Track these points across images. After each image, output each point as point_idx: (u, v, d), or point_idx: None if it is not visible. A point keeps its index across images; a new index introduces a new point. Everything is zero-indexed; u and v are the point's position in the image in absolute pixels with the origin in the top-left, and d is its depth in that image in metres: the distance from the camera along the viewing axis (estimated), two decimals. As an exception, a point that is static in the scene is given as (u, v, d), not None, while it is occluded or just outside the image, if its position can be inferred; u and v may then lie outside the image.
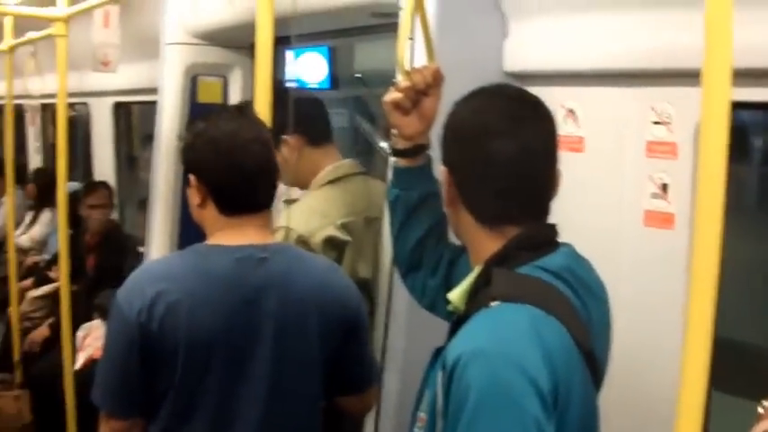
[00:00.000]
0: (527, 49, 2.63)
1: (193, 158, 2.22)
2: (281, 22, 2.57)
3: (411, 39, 2.52)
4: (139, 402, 2.12)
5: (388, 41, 3.91)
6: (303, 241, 2.70)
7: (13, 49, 5.28)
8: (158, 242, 4.34)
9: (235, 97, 4.40)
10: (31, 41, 4.74)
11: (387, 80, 4.58)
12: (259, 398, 2.12)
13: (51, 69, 5.10)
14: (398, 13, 2.66)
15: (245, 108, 2.34)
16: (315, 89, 4.58)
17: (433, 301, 2.12)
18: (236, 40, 4.29)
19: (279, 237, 2.69)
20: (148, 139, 7.23)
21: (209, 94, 4.31)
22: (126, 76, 4.71)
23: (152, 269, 2.25)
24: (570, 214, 1.84)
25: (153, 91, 5.12)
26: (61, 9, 4.08)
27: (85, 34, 4.38)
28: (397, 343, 2.58)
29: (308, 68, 4.57)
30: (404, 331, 2.56)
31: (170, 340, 2.04)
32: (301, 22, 2.73)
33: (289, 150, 2.83)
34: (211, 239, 2.21)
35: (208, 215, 2.20)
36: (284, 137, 2.77)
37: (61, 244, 4.40)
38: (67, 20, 4.11)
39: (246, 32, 4.09)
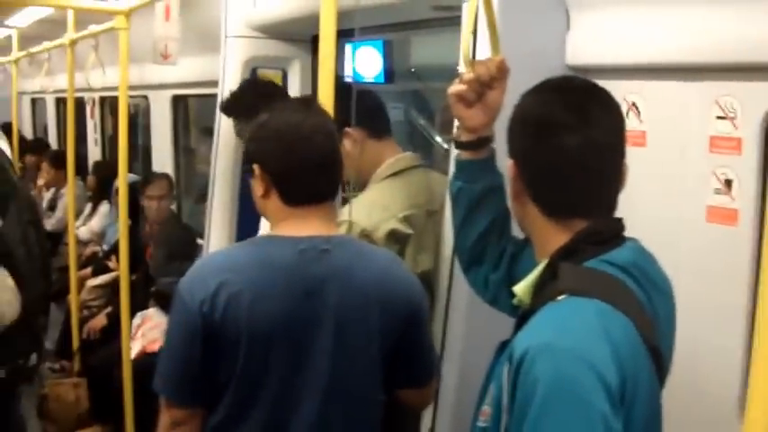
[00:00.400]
0: (590, 42, 2.60)
1: (258, 149, 2.23)
2: (341, 15, 2.58)
3: (473, 32, 2.53)
4: (200, 392, 2.14)
5: (444, 35, 3.94)
6: (366, 235, 2.70)
7: (74, 42, 5.34)
8: (217, 233, 4.37)
9: (294, 89, 4.41)
10: (92, 35, 4.79)
11: (442, 74, 4.58)
12: (318, 389, 2.12)
13: (110, 63, 5.17)
14: (460, 5, 2.67)
15: (310, 100, 2.35)
16: (370, 83, 4.59)
17: (495, 295, 2.12)
18: (296, 32, 4.31)
19: (342, 231, 2.70)
20: (205, 131, 7.32)
21: (269, 86, 4.34)
22: (185, 69, 4.75)
23: (215, 260, 2.27)
24: (632, 209, 1.82)
25: (211, 84, 5.19)
26: (123, 2, 4.13)
27: (145, 28, 4.43)
28: (457, 336, 2.57)
29: (364, 62, 4.57)
30: (463, 325, 2.55)
31: (232, 330, 2.05)
32: (360, 15, 2.73)
33: (351, 143, 2.84)
34: (274, 230, 2.22)
35: (271, 206, 2.21)
36: (347, 129, 2.79)
37: (121, 234, 4.46)
38: (129, 13, 4.16)
39: (306, 25, 4.15)
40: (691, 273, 2.25)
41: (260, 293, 2.07)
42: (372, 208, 2.79)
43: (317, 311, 2.10)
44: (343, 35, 3.30)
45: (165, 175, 5.86)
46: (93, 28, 4.79)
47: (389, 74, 4.59)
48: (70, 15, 5.36)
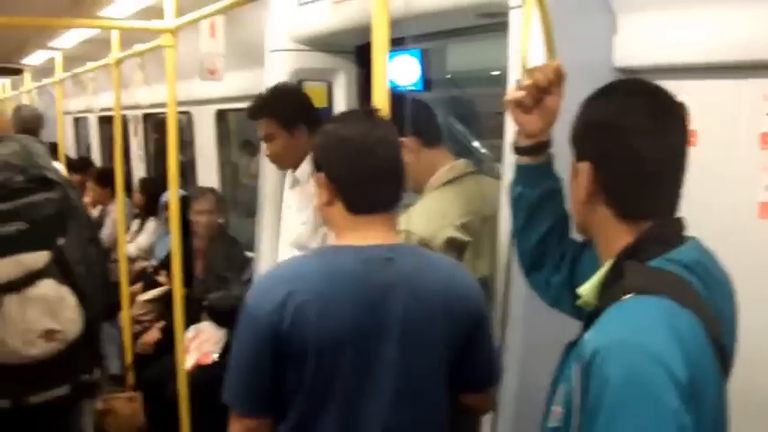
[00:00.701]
0: (637, 43, 2.62)
1: (323, 157, 2.27)
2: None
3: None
4: (269, 401, 2.18)
5: (479, 42, 3.97)
6: (424, 244, 2.74)
7: (120, 61, 5.43)
8: (267, 246, 4.41)
9: (339, 101, 4.44)
10: (138, 54, 4.86)
11: (478, 80, 4.58)
12: (385, 396, 2.15)
13: (152, 80, 5.22)
14: (505, 12, 2.70)
15: (374, 111, 2.38)
16: (408, 91, 4.61)
17: (557, 298, 2.14)
18: (340, 44, 4.35)
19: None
20: (246, 144, 7.38)
21: (314, 98, 4.37)
22: (228, 84, 4.80)
23: (281, 271, 2.30)
24: (685, 208, 1.84)
25: (252, 98, 5.24)
26: (169, 21, 4.20)
27: (187, 44, 4.49)
28: (515, 340, 2.58)
29: (402, 71, 4.59)
30: (521, 329, 2.57)
31: (300, 340, 2.09)
32: (401, 25, 2.76)
33: (406, 152, 2.87)
34: (338, 240, 2.26)
35: (335, 214, 2.25)
36: (401, 139, 2.82)
37: (173, 249, 4.51)
38: (175, 31, 4.22)
39: (350, 37, 4.20)
40: (744, 269, 2.25)
41: (326, 303, 2.10)
42: (429, 217, 2.82)
43: (384, 320, 2.13)
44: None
45: (212, 190, 5.92)
46: (139, 47, 4.86)
47: (427, 82, 4.61)
48: (115, 35, 5.45)
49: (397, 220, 2.34)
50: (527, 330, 2.57)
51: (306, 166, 3.85)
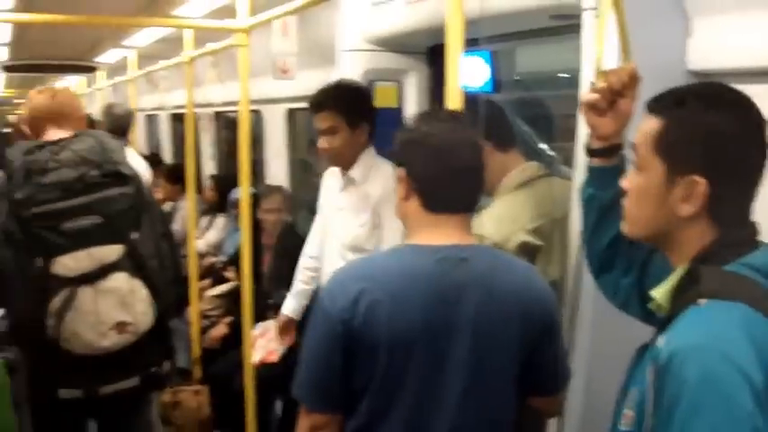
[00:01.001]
0: (711, 46, 2.59)
1: (405, 153, 2.29)
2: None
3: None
4: (339, 397, 2.20)
5: (549, 44, 3.96)
6: (497, 248, 2.74)
7: (193, 60, 5.51)
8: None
9: (410, 101, 4.47)
10: (211, 52, 4.93)
11: (547, 83, 4.57)
12: (455, 395, 2.15)
13: (223, 78, 5.28)
14: (578, 14, 2.70)
15: (459, 112, 2.39)
16: (478, 92, 4.62)
17: (626, 300, 2.13)
18: (412, 45, 4.37)
19: None
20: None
21: (385, 98, 4.40)
22: (299, 83, 4.84)
23: (355, 268, 2.31)
24: (757, 213, 1.82)
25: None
26: (243, 20, 4.25)
27: (259, 44, 4.55)
28: (584, 344, 2.58)
29: (472, 72, 4.60)
30: (590, 332, 2.56)
31: (372, 337, 2.11)
32: (472, 26, 2.77)
33: None
34: (413, 238, 2.27)
35: (411, 210, 2.27)
36: None
37: (243, 246, 4.56)
38: (248, 30, 4.28)
39: (422, 37, 4.21)
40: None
41: (399, 301, 2.11)
42: (501, 221, 2.83)
43: (456, 319, 2.14)
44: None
45: (280, 189, 5.98)
46: (211, 46, 4.93)
47: (497, 83, 4.62)
48: (188, 34, 5.53)
49: (471, 221, 2.34)
50: (596, 332, 2.56)
51: (362, 167, 3.85)
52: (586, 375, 2.55)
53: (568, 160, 3.36)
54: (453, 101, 2.48)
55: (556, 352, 2.34)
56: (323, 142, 3.83)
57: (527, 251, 2.79)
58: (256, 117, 6.73)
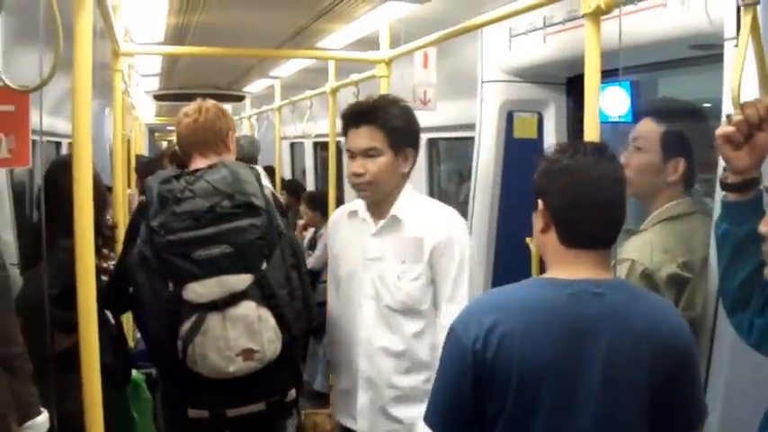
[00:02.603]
0: None
1: (545, 184, 2.26)
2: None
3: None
4: (469, 426, 2.20)
5: (689, 74, 3.91)
6: (648, 275, 2.73)
7: (336, 90, 5.64)
8: (476, 274, 4.48)
9: (549, 132, 4.48)
10: (354, 83, 5.04)
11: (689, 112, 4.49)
12: (586, 429, 2.12)
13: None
14: (719, 44, 2.67)
15: (604, 146, 2.37)
16: (617, 123, 4.59)
17: (760, 340, 2.09)
18: (551, 75, 4.40)
19: (623, 269, 2.73)
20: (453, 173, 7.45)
21: (524, 129, 4.43)
22: (438, 114, 4.89)
23: (489, 299, 2.32)
24: None
25: (461, 127, 5.33)
26: (385, 52, 4.35)
27: (397, 74, 4.62)
28: (719, 382, 2.53)
29: (612, 102, 4.57)
30: (726, 370, 2.51)
31: (503, 369, 2.10)
32: (612, 56, 2.77)
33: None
34: (549, 272, 2.26)
35: (548, 242, 2.25)
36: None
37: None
38: (389, 62, 4.37)
39: (561, 68, 4.23)
40: None
41: (531, 334, 2.11)
42: (654, 249, 2.80)
43: (588, 353, 2.11)
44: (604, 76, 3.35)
45: None
46: (355, 76, 5.04)
47: (636, 113, 4.58)
48: (331, 65, 5.67)
49: (609, 256, 2.30)
50: (732, 371, 2.51)
51: (408, 205, 3.24)
52: (722, 411, 2.50)
53: (710, 193, 3.33)
54: (591, 131, 2.49)
55: (691, 389, 2.26)
56: (356, 166, 3.19)
57: (677, 283, 2.75)
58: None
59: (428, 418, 2.27)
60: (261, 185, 3.33)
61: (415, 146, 3.27)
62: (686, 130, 3.25)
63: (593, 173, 2.17)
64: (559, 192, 2.21)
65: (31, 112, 2.36)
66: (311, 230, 8.15)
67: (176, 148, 3.83)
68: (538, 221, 2.27)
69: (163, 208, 3.21)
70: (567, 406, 2.11)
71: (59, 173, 3.14)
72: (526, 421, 2.12)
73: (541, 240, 2.29)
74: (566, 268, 2.20)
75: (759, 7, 1.96)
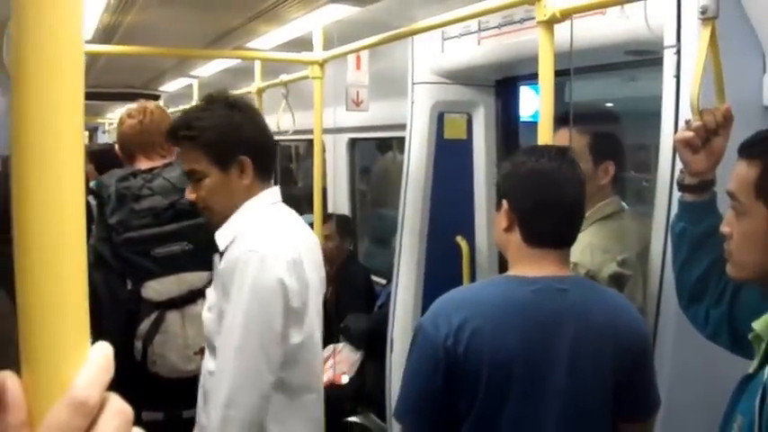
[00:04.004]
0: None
1: (510, 185, 2.36)
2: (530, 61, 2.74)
3: (676, 77, 2.65)
4: (439, 422, 2.27)
5: (599, 79, 4.05)
6: (591, 276, 2.83)
7: (262, 90, 5.66)
8: (406, 272, 4.55)
9: (479, 133, 4.59)
10: (283, 83, 5.05)
11: (597, 115, 4.63)
12: (552, 420, 2.21)
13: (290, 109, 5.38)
14: (654, 50, 2.79)
15: (566, 149, 2.47)
16: (527, 122, 4.71)
17: (716, 331, 2.19)
18: (481, 78, 4.50)
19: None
20: (364, 172, 7.52)
21: (454, 130, 4.52)
22: (363, 114, 4.94)
23: (457, 297, 2.37)
24: None
25: (390, 127, 5.40)
26: (318, 53, 4.39)
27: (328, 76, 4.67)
28: (664, 372, 2.61)
29: (526, 102, 4.71)
30: (670, 361, 2.61)
31: (473, 364, 2.18)
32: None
33: None
34: (512, 270, 2.35)
35: (512, 241, 2.34)
36: None
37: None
38: (323, 63, 4.41)
39: (490, 71, 4.33)
40: None
41: (499, 330, 2.19)
42: (593, 250, 2.91)
43: (553, 348, 2.21)
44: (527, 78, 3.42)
45: (331, 216, 6.04)
46: (284, 77, 5.06)
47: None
48: (257, 66, 5.68)
49: (569, 254, 2.41)
50: (676, 362, 2.61)
51: (233, 224, 2.69)
52: (667, 402, 2.60)
53: (640, 192, 3.47)
54: (545, 133, 2.58)
55: (648, 378, 2.39)
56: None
57: (618, 281, 2.87)
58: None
59: (399, 415, 2.33)
60: None
61: (250, 152, 2.66)
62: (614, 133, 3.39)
63: (559, 176, 2.29)
64: (525, 194, 2.31)
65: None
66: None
67: (96, 148, 3.80)
68: (501, 221, 2.36)
69: (121, 206, 3.20)
70: (535, 400, 2.20)
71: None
72: (496, 414, 2.20)
73: (504, 239, 2.37)
74: (529, 266, 2.29)
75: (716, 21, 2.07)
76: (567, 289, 2.26)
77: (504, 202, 2.35)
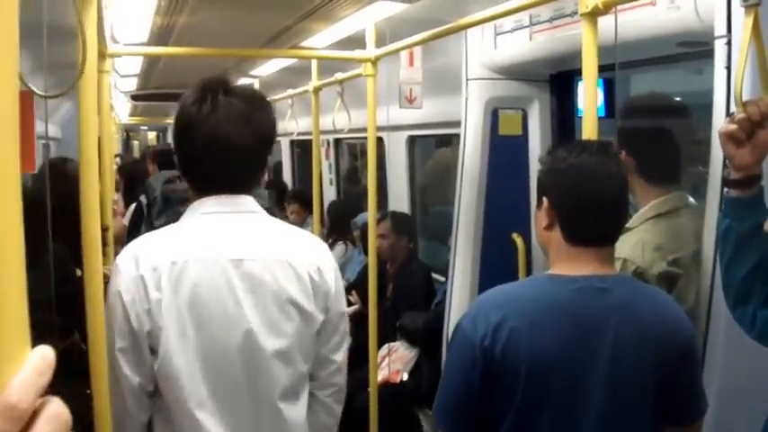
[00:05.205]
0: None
1: (551, 182, 2.32)
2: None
3: (727, 68, 2.57)
4: (478, 421, 2.25)
5: (661, 72, 3.96)
6: (640, 273, 2.78)
7: (319, 89, 5.67)
8: (462, 270, 4.52)
9: (534, 128, 4.54)
10: (338, 82, 5.06)
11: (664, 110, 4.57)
12: (592, 421, 2.17)
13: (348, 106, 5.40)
14: (706, 41, 2.72)
15: (608, 145, 2.42)
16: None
17: (763, 332, 2.11)
18: (535, 73, 4.45)
19: (616, 267, 2.79)
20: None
21: (509, 126, 4.48)
22: (420, 111, 4.92)
23: (495, 296, 2.33)
24: None
25: (447, 124, 5.37)
26: (371, 51, 4.37)
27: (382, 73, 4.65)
28: (714, 375, 2.56)
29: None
30: (721, 363, 2.56)
31: (511, 364, 2.14)
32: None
33: None
34: (553, 269, 2.30)
35: (552, 238, 2.30)
36: None
37: (370, 270, 4.66)
38: (375, 61, 4.39)
39: (544, 66, 4.27)
40: None
41: (538, 329, 2.15)
42: (645, 247, 2.85)
43: (593, 347, 2.16)
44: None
45: (386, 215, 6.05)
46: (339, 75, 5.06)
47: (609, 108, 4.66)
48: (314, 64, 5.69)
49: (613, 253, 2.35)
50: (726, 363, 2.55)
51: None
52: (717, 406, 2.53)
53: (696, 188, 3.38)
54: (589, 128, 2.52)
55: (693, 381, 2.32)
56: None
57: (667, 280, 2.80)
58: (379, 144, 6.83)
59: (436, 412, 2.32)
60: (259, 185, 3.35)
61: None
62: (667, 125, 3.31)
63: (600, 172, 2.23)
64: (566, 190, 2.26)
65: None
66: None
67: (158, 148, 3.84)
68: (542, 218, 2.31)
69: (166, 208, 3.23)
70: (574, 400, 2.16)
71: (43, 178, 3.14)
72: (534, 416, 2.16)
73: (545, 237, 2.32)
74: (570, 264, 2.24)
75: (760, 8, 1.99)
76: (608, 288, 2.20)
77: (545, 200, 2.31)
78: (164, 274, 2.20)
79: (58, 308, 2.56)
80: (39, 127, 2.39)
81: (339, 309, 2.38)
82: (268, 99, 2.53)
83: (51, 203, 2.47)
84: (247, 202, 2.33)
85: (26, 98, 2.27)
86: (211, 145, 2.24)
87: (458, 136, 4.71)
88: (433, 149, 7.26)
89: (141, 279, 2.17)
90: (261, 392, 2.24)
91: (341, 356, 2.44)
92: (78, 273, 3.16)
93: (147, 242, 2.31)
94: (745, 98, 2.01)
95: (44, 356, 0.69)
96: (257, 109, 2.31)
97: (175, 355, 2.18)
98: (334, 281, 2.33)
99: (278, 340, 2.23)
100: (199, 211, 2.32)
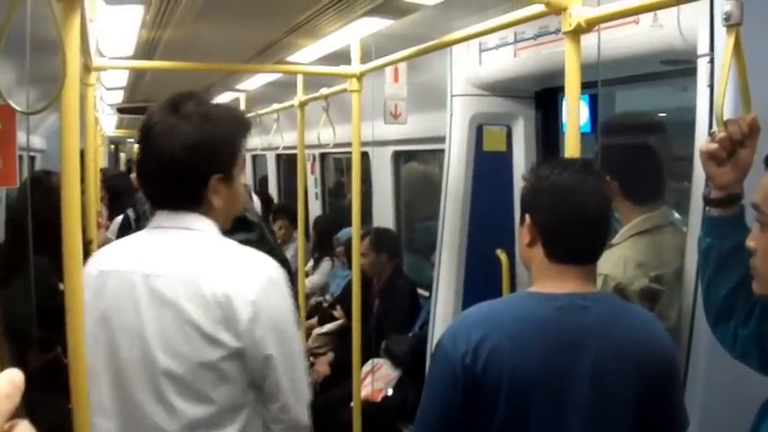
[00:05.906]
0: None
1: (533, 199, 2.30)
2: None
3: (710, 86, 2.58)
4: None
5: (645, 89, 3.98)
6: (621, 289, 2.78)
7: (304, 104, 5.68)
8: (445, 285, 4.52)
9: (518, 145, 4.55)
10: (323, 97, 5.07)
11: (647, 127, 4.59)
12: None
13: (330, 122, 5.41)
14: (689, 59, 2.73)
15: (590, 162, 2.42)
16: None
17: (745, 351, 2.10)
18: (520, 89, 4.47)
19: (597, 283, 2.78)
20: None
21: (494, 142, 4.49)
22: (405, 126, 4.93)
23: (476, 313, 2.31)
24: None
25: (431, 140, 5.38)
26: (356, 66, 4.37)
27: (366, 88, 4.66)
28: (696, 392, 2.57)
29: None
30: (703, 381, 2.56)
31: (493, 382, 2.13)
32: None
33: None
34: (535, 286, 2.29)
35: (534, 256, 2.28)
36: None
37: (354, 286, 4.64)
38: (361, 76, 4.40)
39: (529, 82, 4.29)
40: None
41: (519, 347, 2.14)
42: (627, 263, 2.86)
43: (575, 366, 2.15)
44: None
45: (368, 232, 6.01)
46: (324, 91, 5.07)
47: (594, 124, 4.68)
48: (299, 79, 5.70)
49: (594, 271, 2.34)
50: (709, 380, 2.55)
51: None
52: (699, 424, 2.53)
53: (679, 204, 3.39)
54: (572, 144, 2.53)
55: (674, 398, 2.31)
56: None
57: (649, 296, 2.81)
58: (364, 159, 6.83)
59: (417, 428, 2.30)
60: (251, 200, 3.35)
61: None
62: (646, 143, 3.31)
63: (583, 190, 2.22)
64: (548, 208, 2.25)
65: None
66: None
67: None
68: (524, 236, 2.30)
69: None
70: (555, 418, 2.15)
71: (29, 191, 3.12)
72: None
73: (527, 254, 2.32)
74: (552, 282, 2.24)
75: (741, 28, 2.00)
76: (589, 306, 2.20)
77: (527, 217, 2.30)
78: (92, 282, 2.28)
79: (42, 321, 2.55)
80: (21, 139, 2.36)
81: (260, 346, 2.21)
82: (254, 113, 2.57)
83: (34, 217, 2.47)
84: (187, 218, 2.31)
85: (7, 114, 2.25)
86: (146, 160, 2.32)
87: (443, 151, 4.72)
88: (419, 164, 7.28)
89: (85, 283, 2.23)
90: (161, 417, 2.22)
91: (288, 396, 2.29)
92: (61, 286, 3.11)
93: (104, 249, 2.44)
94: (726, 117, 2.02)
95: (12, 380, 0.68)
96: (189, 121, 2.27)
97: (90, 362, 2.22)
98: (249, 314, 2.18)
99: (173, 361, 2.18)
100: (151, 225, 2.38)
